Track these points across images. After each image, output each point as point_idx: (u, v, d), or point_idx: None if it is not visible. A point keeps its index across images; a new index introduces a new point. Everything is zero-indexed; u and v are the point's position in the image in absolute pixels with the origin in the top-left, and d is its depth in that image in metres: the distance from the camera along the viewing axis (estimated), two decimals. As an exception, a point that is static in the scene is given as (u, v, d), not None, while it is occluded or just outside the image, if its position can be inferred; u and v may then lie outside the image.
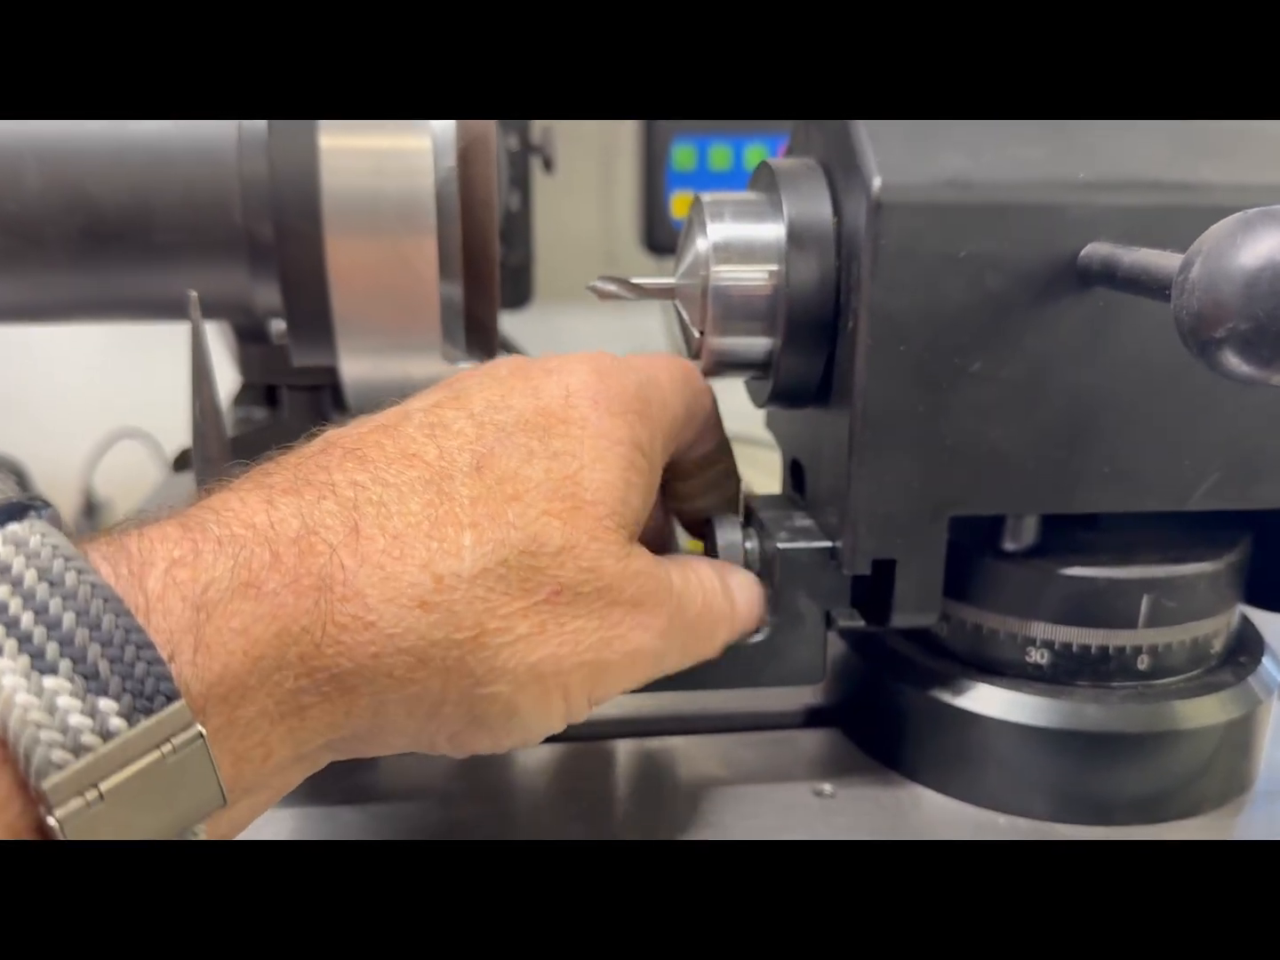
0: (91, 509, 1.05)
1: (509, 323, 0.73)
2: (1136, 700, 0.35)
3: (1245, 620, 0.40)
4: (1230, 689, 0.36)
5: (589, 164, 1.12)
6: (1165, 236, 0.32)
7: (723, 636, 0.34)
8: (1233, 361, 0.24)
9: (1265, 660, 0.38)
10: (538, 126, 0.72)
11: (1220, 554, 0.36)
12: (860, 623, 0.36)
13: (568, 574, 0.28)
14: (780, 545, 0.35)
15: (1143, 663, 0.36)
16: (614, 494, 0.30)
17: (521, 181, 0.71)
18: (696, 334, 0.35)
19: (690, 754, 0.41)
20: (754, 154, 0.79)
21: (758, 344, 0.35)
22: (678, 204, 0.80)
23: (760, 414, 0.42)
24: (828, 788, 0.38)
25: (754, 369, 0.36)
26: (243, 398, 0.68)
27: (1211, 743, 0.36)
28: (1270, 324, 0.23)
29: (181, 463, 0.49)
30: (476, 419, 0.30)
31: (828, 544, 0.35)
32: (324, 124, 0.38)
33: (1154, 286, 0.28)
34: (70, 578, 0.21)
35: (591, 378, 0.31)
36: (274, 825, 0.35)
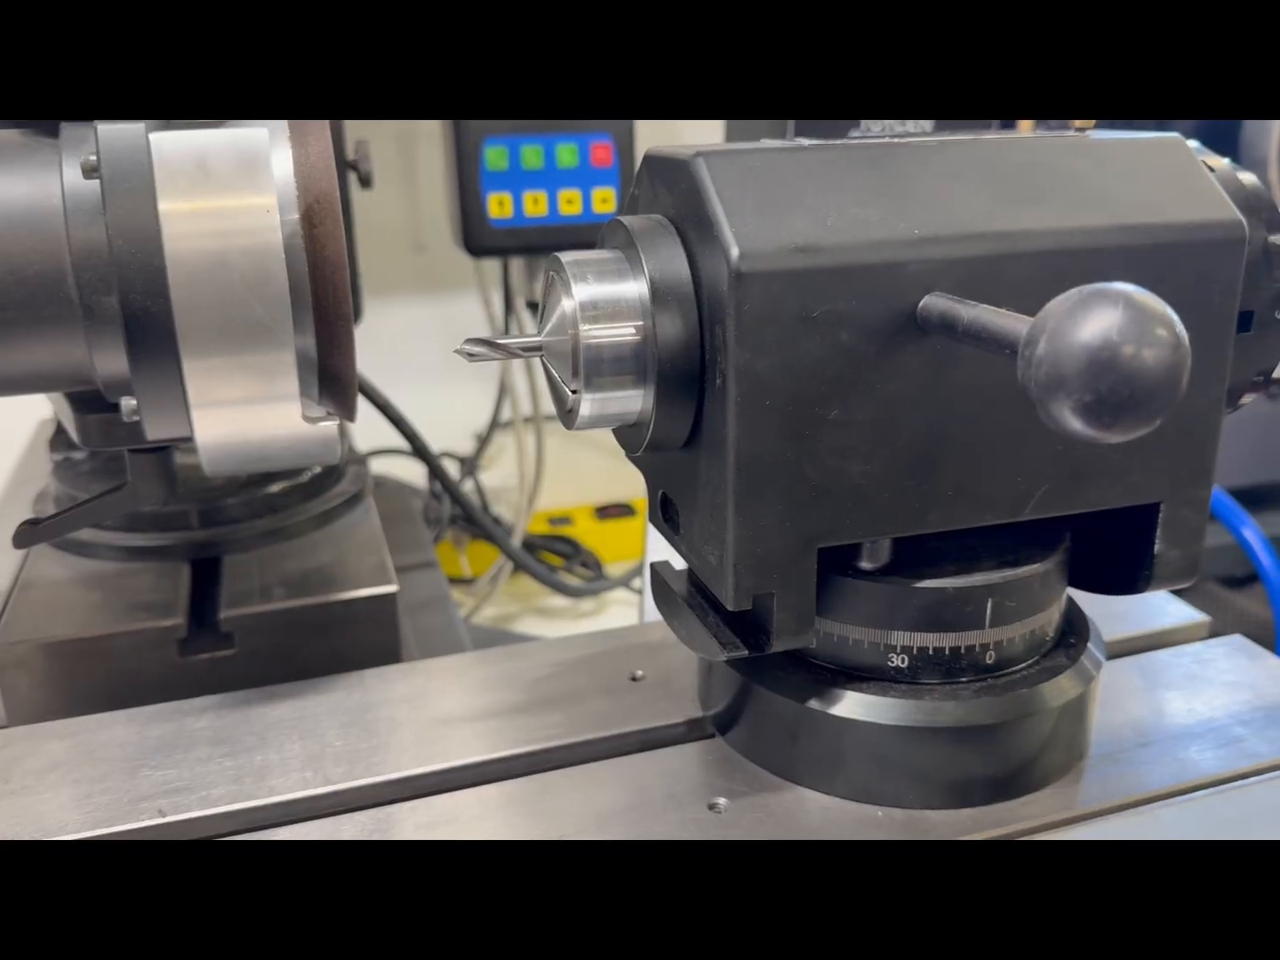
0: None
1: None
2: (988, 693, 0.39)
3: (1070, 600, 0.44)
4: (1066, 672, 0.41)
5: (386, 150, 1.10)
6: (994, 283, 0.35)
7: None
8: (1076, 425, 0.26)
9: (1090, 641, 0.43)
10: (350, 141, 0.70)
11: (1048, 554, 0.40)
12: (744, 652, 0.38)
13: None
14: None
15: (989, 657, 0.40)
16: None
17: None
18: (569, 391, 0.37)
19: (579, 782, 0.42)
20: (565, 152, 0.79)
21: (630, 396, 0.36)
22: (494, 204, 0.80)
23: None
24: (721, 801, 0.40)
25: (627, 420, 0.38)
26: (59, 441, 0.64)
27: (1054, 721, 0.40)
28: (1110, 396, 0.25)
29: (21, 540, 0.46)
30: None
31: None
32: (160, 185, 0.37)
33: (993, 343, 0.30)
34: None
35: None
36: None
